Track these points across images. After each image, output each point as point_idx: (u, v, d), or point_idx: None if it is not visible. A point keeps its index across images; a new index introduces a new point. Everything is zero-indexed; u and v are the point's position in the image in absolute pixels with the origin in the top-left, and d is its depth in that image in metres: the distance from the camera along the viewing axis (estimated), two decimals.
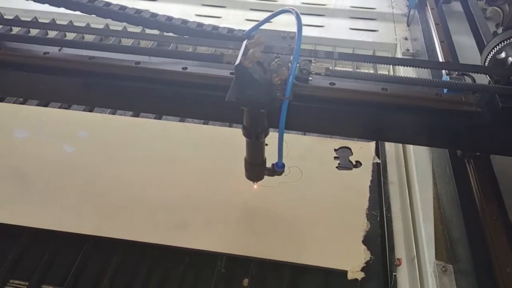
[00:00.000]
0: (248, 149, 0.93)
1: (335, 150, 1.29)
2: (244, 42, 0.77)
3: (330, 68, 0.88)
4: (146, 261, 1.04)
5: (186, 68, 0.90)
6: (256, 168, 0.97)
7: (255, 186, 1.11)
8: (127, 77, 0.92)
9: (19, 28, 1.57)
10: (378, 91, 0.87)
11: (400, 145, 1.35)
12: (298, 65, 0.85)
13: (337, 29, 1.82)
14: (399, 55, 1.67)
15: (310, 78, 0.86)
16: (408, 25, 1.81)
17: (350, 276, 0.99)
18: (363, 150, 1.29)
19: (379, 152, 1.32)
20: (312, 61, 0.88)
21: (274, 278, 1.02)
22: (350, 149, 1.30)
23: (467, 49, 1.45)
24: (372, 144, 1.31)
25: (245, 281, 1.02)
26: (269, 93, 0.76)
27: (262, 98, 0.76)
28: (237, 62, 0.73)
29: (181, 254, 1.05)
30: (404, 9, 1.89)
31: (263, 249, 1.04)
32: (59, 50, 0.98)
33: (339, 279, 1.00)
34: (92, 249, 1.07)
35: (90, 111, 1.48)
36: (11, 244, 1.07)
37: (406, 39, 1.73)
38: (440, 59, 1.31)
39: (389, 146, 1.35)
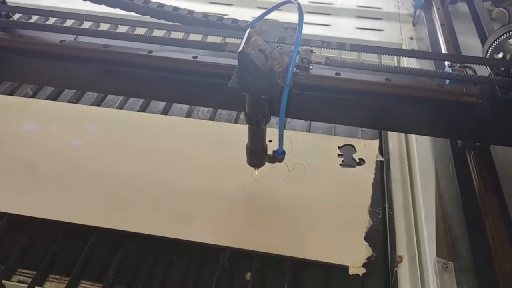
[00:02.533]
0: (250, 136, 0.95)
1: (339, 147, 1.30)
2: (247, 31, 0.80)
3: (330, 57, 0.90)
4: (151, 254, 1.06)
5: (196, 57, 0.93)
6: (256, 154, 0.99)
7: (256, 172, 1.12)
8: (140, 65, 0.95)
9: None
10: (382, 82, 0.89)
11: (404, 143, 1.36)
12: (298, 54, 0.87)
13: (343, 28, 1.84)
14: None
15: (310, 67, 0.89)
16: (414, 25, 1.82)
17: (351, 271, 1.00)
18: (367, 148, 1.30)
19: (383, 150, 1.33)
20: (313, 51, 0.90)
21: (276, 272, 1.04)
22: (353, 146, 1.31)
23: (472, 50, 1.46)
24: (376, 142, 1.32)
25: (248, 275, 1.03)
26: (270, 79, 0.79)
27: (263, 84, 0.79)
28: (240, 48, 0.75)
29: (185, 247, 1.07)
30: (410, 9, 1.90)
31: (266, 243, 1.05)
32: (75, 39, 1.00)
33: (340, 275, 1.01)
34: (99, 240, 1.09)
35: (98, 105, 1.50)
36: (20, 234, 1.09)
37: (411, 38, 1.73)
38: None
39: (393, 145, 1.36)
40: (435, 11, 1.59)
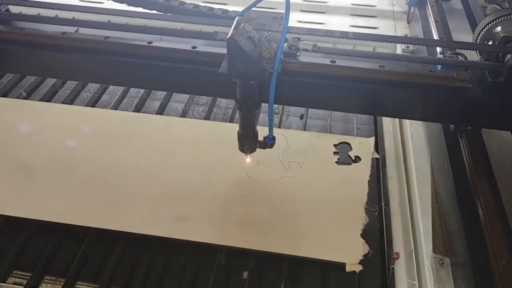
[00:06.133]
0: (241, 122, 0.97)
1: (335, 145, 1.30)
2: (236, 18, 0.82)
3: (318, 45, 0.93)
4: (147, 253, 1.06)
5: (195, 47, 0.95)
6: (248, 140, 1.01)
7: (248, 159, 1.13)
8: (140, 55, 0.97)
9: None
10: (376, 68, 0.90)
11: (399, 140, 1.36)
12: (286, 42, 0.90)
13: (338, 27, 1.83)
14: (399, 52, 1.68)
15: (298, 54, 0.91)
16: (408, 23, 1.83)
17: (348, 268, 1.00)
18: (363, 146, 1.30)
19: (378, 147, 1.33)
20: (301, 39, 0.93)
21: (273, 270, 1.04)
22: (349, 144, 1.31)
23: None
24: (372, 140, 1.32)
25: (245, 274, 1.03)
26: (258, 65, 0.82)
27: (252, 70, 0.81)
28: (229, 35, 0.77)
29: (181, 246, 1.07)
30: (405, 7, 1.90)
31: (263, 242, 1.05)
32: (76, 31, 1.03)
33: (337, 272, 1.01)
34: (94, 241, 1.08)
35: (93, 106, 1.50)
36: (15, 235, 1.09)
37: (406, 36, 1.73)
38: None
39: (389, 142, 1.36)
40: (429, 8, 1.59)
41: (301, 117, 1.47)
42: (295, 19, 1.83)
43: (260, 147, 1.02)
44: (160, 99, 1.53)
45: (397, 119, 1.44)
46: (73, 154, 1.27)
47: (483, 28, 1.00)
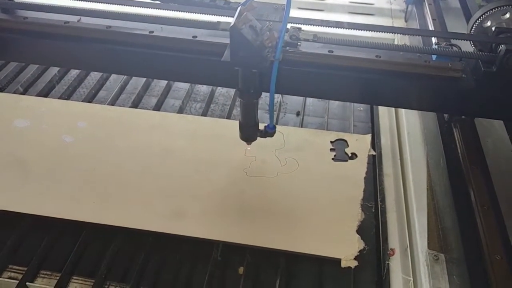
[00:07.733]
0: (242, 110, 0.98)
1: (331, 142, 1.31)
2: (239, 8, 0.83)
3: (318, 35, 0.94)
4: (143, 249, 1.06)
5: (196, 37, 0.96)
6: (249, 129, 1.02)
7: (248, 148, 1.13)
8: (142, 45, 0.98)
9: None
10: (372, 58, 0.91)
11: (396, 137, 1.36)
12: (287, 32, 0.91)
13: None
14: None
15: (298, 43, 0.92)
16: (405, 21, 1.83)
17: (343, 264, 1.00)
18: (359, 143, 1.31)
19: (375, 144, 1.33)
20: (301, 29, 0.94)
21: (269, 266, 1.04)
22: (346, 141, 1.31)
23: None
24: (368, 137, 1.32)
25: (241, 269, 1.03)
26: (260, 54, 0.83)
27: (253, 59, 0.83)
28: (232, 24, 0.79)
29: (177, 242, 1.07)
30: (402, 5, 1.90)
31: (259, 237, 1.05)
32: (78, 20, 1.03)
33: (332, 267, 1.01)
34: (90, 236, 1.08)
35: (90, 101, 1.50)
36: (11, 230, 1.08)
37: (404, 34, 1.73)
38: None
39: (385, 139, 1.37)
40: (427, 6, 1.60)
41: (298, 114, 1.47)
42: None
43: (261, 136, 1.03)
44: (157, 96, 1.53)
45: (393, 116, 1.44)
46: (70, 149, 1.27)
47: (477, 20, 1.02)
